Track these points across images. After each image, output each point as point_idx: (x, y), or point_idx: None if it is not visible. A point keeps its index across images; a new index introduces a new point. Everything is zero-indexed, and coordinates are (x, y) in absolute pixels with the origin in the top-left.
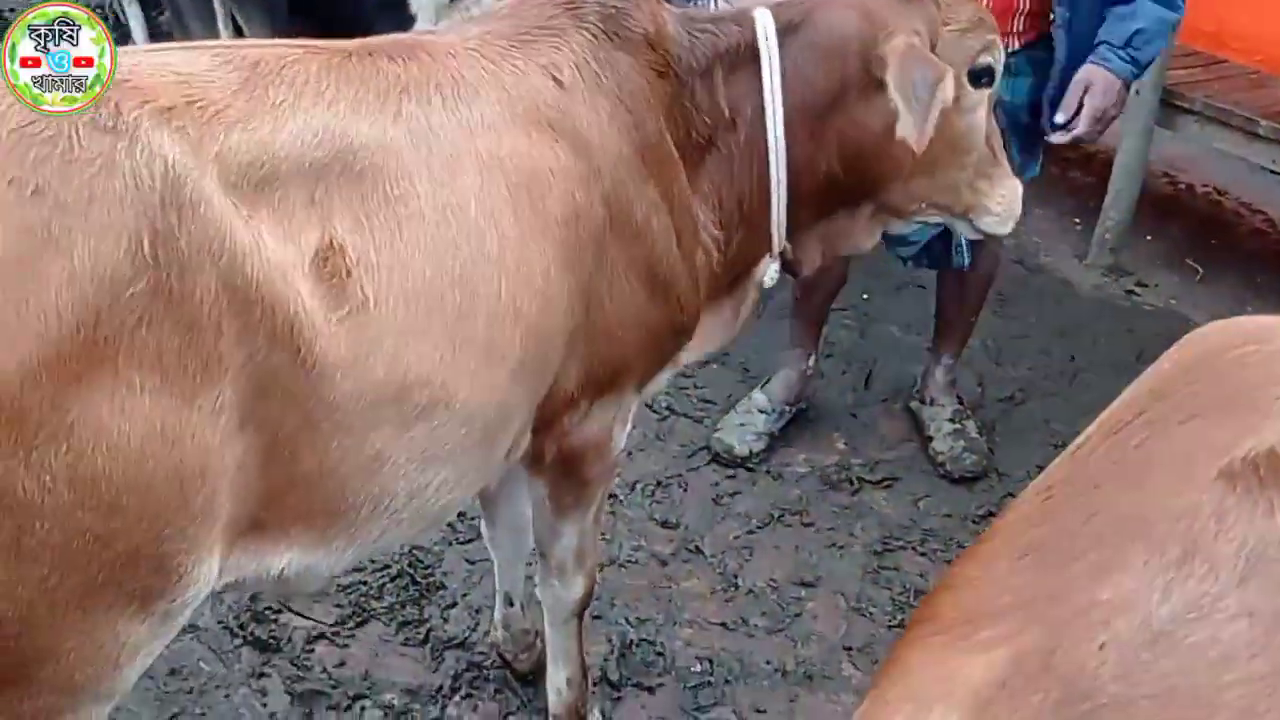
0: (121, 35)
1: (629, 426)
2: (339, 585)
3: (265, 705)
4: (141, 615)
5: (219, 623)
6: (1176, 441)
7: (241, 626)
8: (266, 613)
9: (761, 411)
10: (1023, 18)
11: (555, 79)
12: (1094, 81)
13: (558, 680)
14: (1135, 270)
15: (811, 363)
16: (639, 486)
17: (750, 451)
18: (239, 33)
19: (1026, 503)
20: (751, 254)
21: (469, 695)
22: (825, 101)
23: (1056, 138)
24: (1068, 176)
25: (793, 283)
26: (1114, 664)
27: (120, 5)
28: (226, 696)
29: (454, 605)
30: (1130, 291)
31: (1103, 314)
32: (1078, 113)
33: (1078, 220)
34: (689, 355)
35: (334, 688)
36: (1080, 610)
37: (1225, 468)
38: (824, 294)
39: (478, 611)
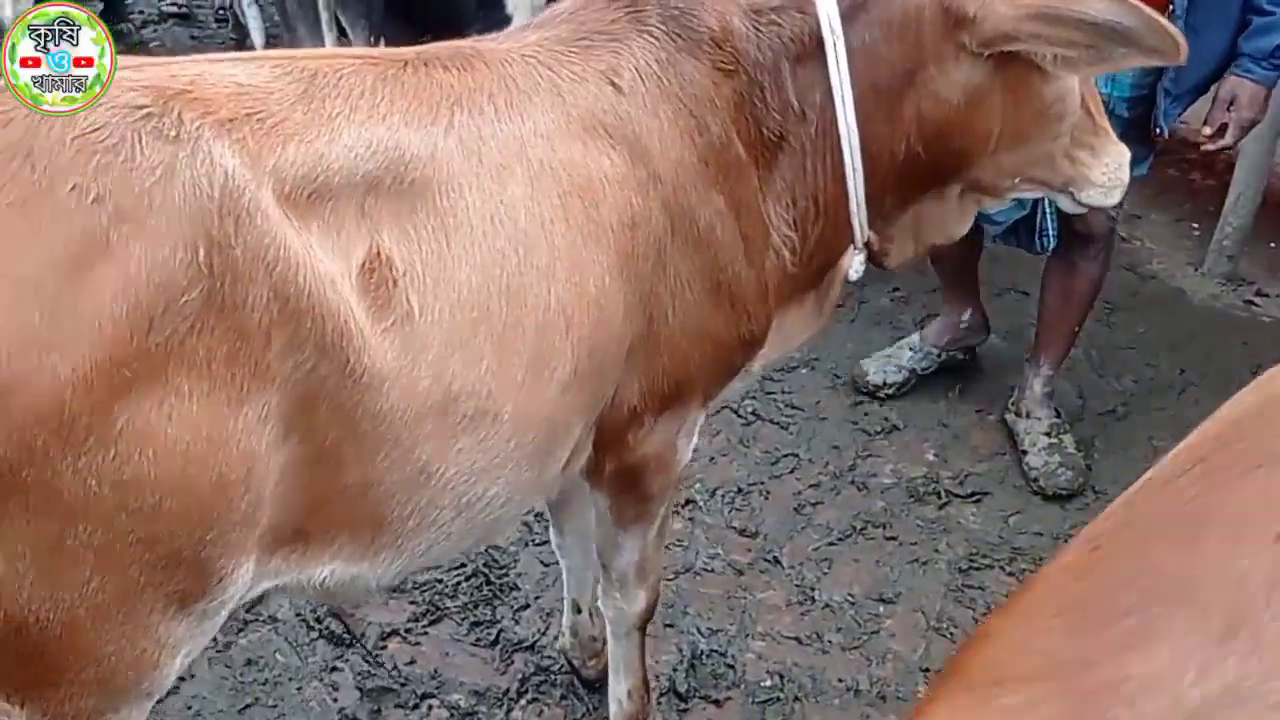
0: (240, 37)
1: (695, 440)
2: (414, 583)
3: (335, 700)
4: (180, 616)
5: (296, 615)
6: (1235, 496)
7: (318, 620)
8: (343, 607)
9: (910, 349)
10: None
11: (613, 84)
12: (1240, 94)
13: (619, 691)
14: (1255, 279)
15: (967, 317)
16: (719, 493)
17: (885, 380)
18: (343, 34)
19: (1072, 552)
20: (834, 248)
21: (535, 699)
22: (901, 81)
23: (1207, 146)
24: (1187, 179)
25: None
26: None
27: (241, 7)
28: (299, 689)
29: (526, 607)
30: (1249, 302)
31: (1217, 325)
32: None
33: (1196, 225)
34: (772, 353)
35: (403, 685)
36: (1109, 683)
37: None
38: (954, 259)
39: (549, 615)
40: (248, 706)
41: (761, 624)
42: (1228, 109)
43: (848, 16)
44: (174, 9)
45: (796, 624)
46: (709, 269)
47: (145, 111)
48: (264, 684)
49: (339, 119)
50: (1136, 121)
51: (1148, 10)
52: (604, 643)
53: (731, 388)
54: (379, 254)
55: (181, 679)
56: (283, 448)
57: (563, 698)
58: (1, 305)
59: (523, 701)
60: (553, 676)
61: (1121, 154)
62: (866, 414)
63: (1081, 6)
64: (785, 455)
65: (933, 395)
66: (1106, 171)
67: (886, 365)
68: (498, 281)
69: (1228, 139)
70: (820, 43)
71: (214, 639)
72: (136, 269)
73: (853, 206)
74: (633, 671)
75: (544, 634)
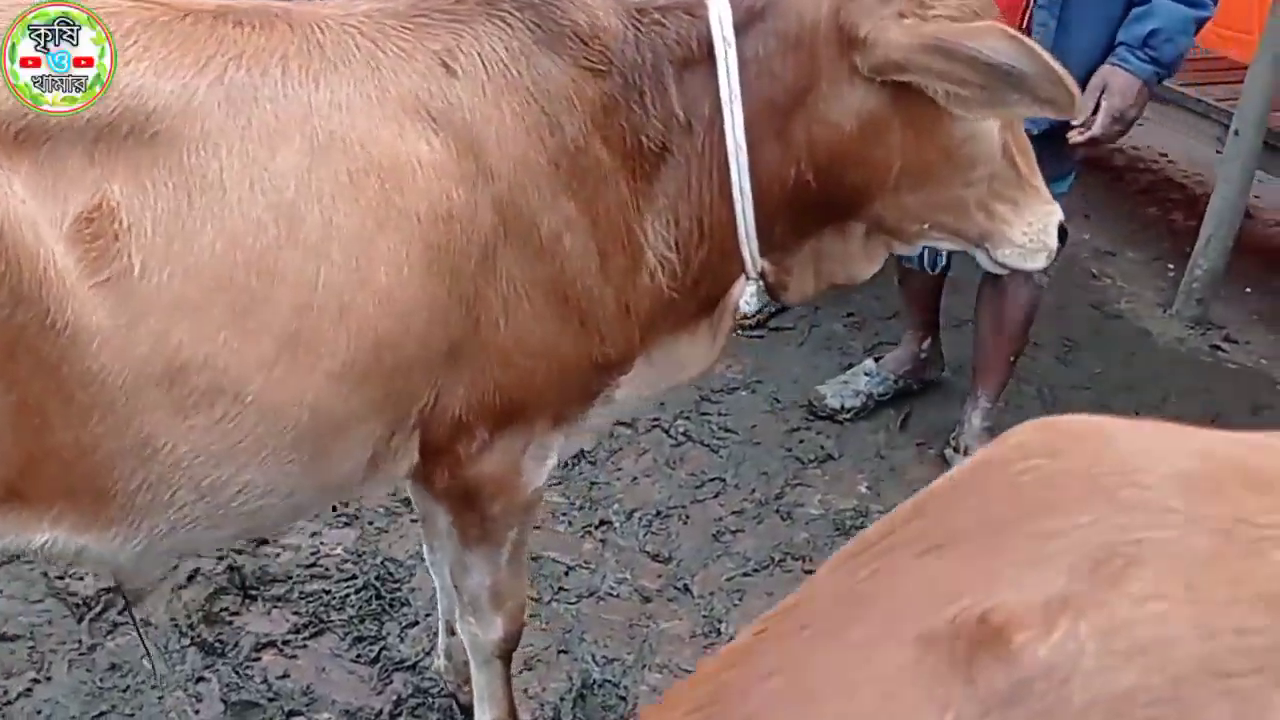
0: None
1: (549, 464)
2: (300, 592)
3: (198, 713)
4: None
5: (170, 620)
6: (904, 579)
7: (191, 626)
8: (222, 614)
9: (866, 374)
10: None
11: (446, 66)
12: (1111, 82)
13: None
14: (1225, 324)
15: (926, 347)
16: (636, 515)
17: (843, 405)
18: None
19: (744, 632)
20: (723, 275)
21: None
22: (793, 99)
23: (1073, 137)
24: (1167, 219)
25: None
26: None
27: None
28: (160, 699)
29: (415, 625)
30: (1215, 347)
31: (1179, 369)
32: (1095, 114)
33: (1171, 266)
34: (663, 383)
35: (270, 700)
36: None
37: (926, 631)
38: (918, 287)
39: (437, 634)
40: (103, 714)
41: (661, 655)
42: (1099, 97)
43: (742, 26)
44: None
45: (698, 657)
46: (553, 280)
47: None
48: (124, 691)
49: None
50: (1050, 135)
51: (1047, 58)
52: None
53: (597, 413)
54: (103, 205)
55: (35, 680)
56: None
57: None
58: None
59: None
60: (430, 700)
61: (1049, 215)
62: (802, 441)
63: (978, 43)
64: (711, 479)
65: (873, 426)
66: (1029, 232)
67: (844, 390)
68: (249, 251)
69: (1095, 129)
70: (711, 50)
71: (79, 640)
72: None
73: (741, 233)
74: (497, 703)
75: (428, 654)
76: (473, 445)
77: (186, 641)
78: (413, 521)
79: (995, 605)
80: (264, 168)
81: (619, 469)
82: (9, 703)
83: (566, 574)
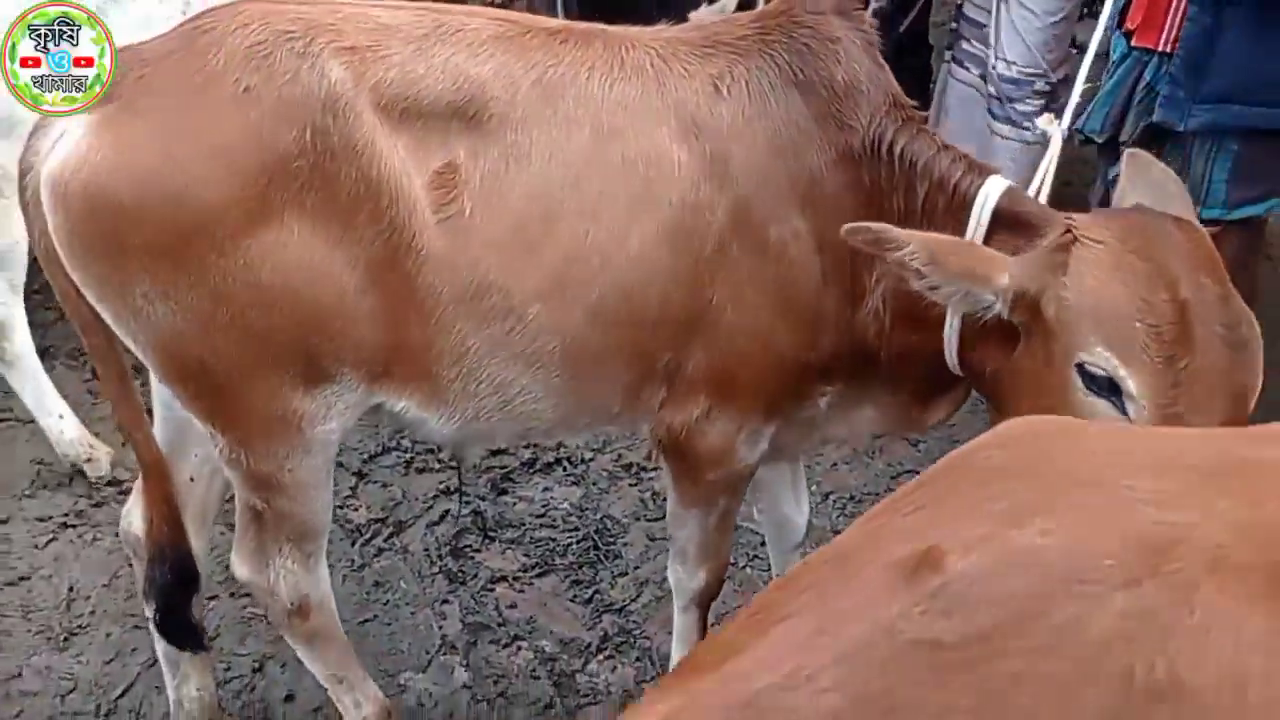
0: None
1: (761, 446)
2: (531, 537)
3: (440, 629)
4: (308, 397)
5: (424, 550)
6: (895, 528)
7: (440, 557)
8: (466, 549)
9: None
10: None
11: (716, 88)
12: None
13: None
14: None
15: None
16: (832, 497)
17: None
18: None
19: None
20: (934, 378)
21: (611, 656)
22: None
23: None
24: None
25: None
26: None
27: None
28: (412, 614)
29: (625, 574)
30: None
31: None
32: None
33: None
34: (899, 428)
35: (500, 625)
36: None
37: (892, 559)
38: None
39: (643, 584)
40: (366, 621)
41: None
42: None
43: (996, 222)
44: None
45: None
46: (775, 280)
47: (290, 34)
48: (385, 604)
49: (438, 59)
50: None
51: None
52: None
53: (808, 416)
54: (451, 165)
55: None
56: (371, 294)
57: (637, 659)
58: (182, 151)
59: (600, 656)
60: (632, 639)
61: None
62: None
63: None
64: (907, 471)
65: None
66: None
67: None
68: (540, 208)
69: None
70: (962, 209)
71: (351, 560)
72: (264, 138)
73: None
74: (691, 646)
75: (635, 600)
76: (695, 410)
77: (436, 570)
78: (631, 485)
79: (939, 542)
80: (561, 147)
81: (821, 453)
82: None
83: (762, 544)
